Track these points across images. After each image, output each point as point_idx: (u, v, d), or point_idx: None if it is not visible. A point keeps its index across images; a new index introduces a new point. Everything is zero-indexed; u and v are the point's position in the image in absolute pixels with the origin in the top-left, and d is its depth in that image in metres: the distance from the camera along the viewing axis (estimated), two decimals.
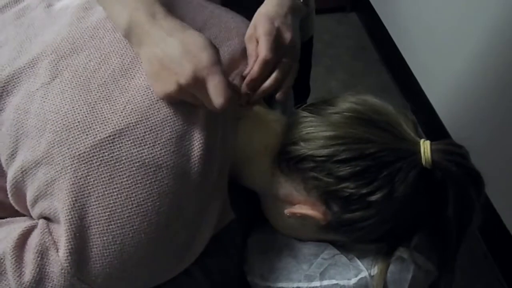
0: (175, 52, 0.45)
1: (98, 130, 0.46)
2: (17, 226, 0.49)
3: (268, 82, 0.55)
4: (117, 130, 0.46)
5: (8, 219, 0.53)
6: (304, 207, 0.52)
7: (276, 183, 0.54)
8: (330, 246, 0.56)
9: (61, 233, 0.45)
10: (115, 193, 0.45)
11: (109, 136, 0.45)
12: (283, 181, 0.53)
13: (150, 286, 0.51)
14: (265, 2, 0.59)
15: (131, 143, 0.46)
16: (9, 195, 0.50)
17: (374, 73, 1.89)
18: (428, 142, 0.48)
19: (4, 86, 0.51)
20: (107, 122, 0.46)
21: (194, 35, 0.46)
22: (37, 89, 0.49)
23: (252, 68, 0.54)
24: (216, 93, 0.45)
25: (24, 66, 0.51)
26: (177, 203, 0.46)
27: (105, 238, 0.45)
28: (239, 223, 0.61)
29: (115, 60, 0.51)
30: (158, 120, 0.47)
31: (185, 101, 0.48)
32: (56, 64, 0.51)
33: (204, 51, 0.45)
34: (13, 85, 0.51)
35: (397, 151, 0.48)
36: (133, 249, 0.45)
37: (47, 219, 0.48)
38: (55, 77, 0.50)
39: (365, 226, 0.50)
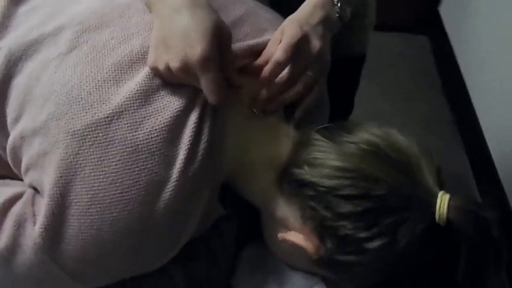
0: (176, 32, 0.45)
1: (98, 109, 0.45)
2: (9, 189, 0.49)
3: (287, 94, 0.51)
4: (116, 111, 0.45)
5: (5, 180, 0.53)
6: (298, 236, 0.48)
7: (275, 203, 0.50)
8: (321, 284, 0.52)
9: (41, 207, 0.44)
10: (101, 176, 0.43)
11: (107, 116, 0.44)
12: (282, 203, 0.49)
13: (125, 277, 0.49)
14: (297, 11, 0.55)
15: (128, 126, 0.44)
16: (8, 158, 0.50)
17: (432, 101, 1.78)
18: (447, 196, 0.42)
19: (25, 49, 0.51)
20: (108, 102, 0.45)
21: (202, 17, 0.45)
22: (53, 58, 0.49)
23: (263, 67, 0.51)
24: (209, 90, 0.45)
25: (49, 33, 0.51)
26: (164, 194, 0.44)
27: (82, 221, 0.43)
28: (236, 229, 0.58)
29: (136, 42, 0.50)
30: (160, 106, 0.45)
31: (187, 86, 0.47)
32: (78, 36, 0.50)
33: (202, 41, 0.44)
34: (34, 49, 0.50)
35: (408, 198, 0.43)
36: (110, 237, 0.44)
37: (36, 190, 0.48)
38: (73, 49, 0.49)
39: (359, 272, 0.45)
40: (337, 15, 0.55)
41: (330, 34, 0.55)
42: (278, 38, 0.52)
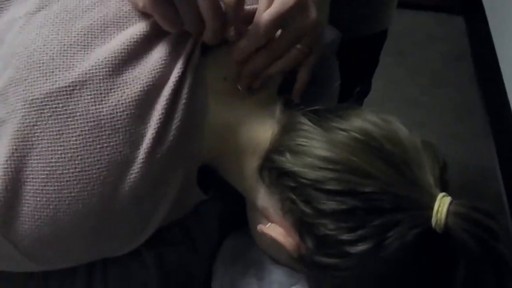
0: None
1: (59, 77, 0.40)
2: None
3: (272, 68, 0.45)
4: (79, 80, 0.40)
5: None
6: (277, 230, 0.43)
7: (256, 191, 0.45)
8: (303, 281, 0.47)
9: None
10: (60, 152, 0.40)
11: (69, 85, 0.40)
12: (262, 192, 0.44)
13: (89, 260, 0.46)
14: None
15: (91, 97, 0.40)
16: None
17: (462, 87, 1.66)
18: (448, 199, 0.36)
19: None
20: (72, 70, 0.41)
21: None
22: (19, 17, 0.45)
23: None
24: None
25: None
26: (128, 176, 0.40)
27: (38, 199, 0.40)
28: (221, 212, 0.53)
29: (113, 5, 0.45)
30: (129, 78, 0.41)
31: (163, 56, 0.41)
32: None
33: None
34: (2, 7, 0.46)
35: (401, 199, 0.37)
36: (67, 217, 0.40)
37: None
38: (42, 8, 0.45)
39: (341, 276, 0.40)
40: None
41: (327, 2, 0.48)
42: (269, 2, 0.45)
